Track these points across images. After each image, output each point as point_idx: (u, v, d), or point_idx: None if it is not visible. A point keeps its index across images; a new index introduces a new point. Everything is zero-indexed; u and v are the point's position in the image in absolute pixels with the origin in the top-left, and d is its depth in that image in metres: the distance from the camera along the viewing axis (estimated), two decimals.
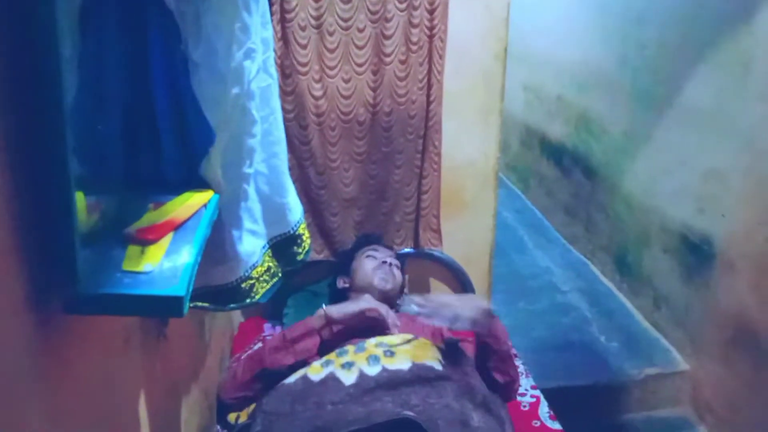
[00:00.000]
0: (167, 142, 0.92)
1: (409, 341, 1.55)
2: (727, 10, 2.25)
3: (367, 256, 1.94)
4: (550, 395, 1.91)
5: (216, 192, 0.96)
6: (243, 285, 1.10)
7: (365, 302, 1.71)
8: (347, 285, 1.94)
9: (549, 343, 2.68)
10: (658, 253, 2.76)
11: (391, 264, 1.91)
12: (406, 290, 2.09)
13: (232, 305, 1.14)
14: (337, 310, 1.65)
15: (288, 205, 1.20)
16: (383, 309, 1.69)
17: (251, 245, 1.09)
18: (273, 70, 1.11)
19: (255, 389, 1.57)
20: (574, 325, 2.84)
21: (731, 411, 2.26)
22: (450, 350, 1.57)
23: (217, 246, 1.04)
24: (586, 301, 3.04)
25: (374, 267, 1.89)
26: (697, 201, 2.46)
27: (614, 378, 2.49)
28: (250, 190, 1.08)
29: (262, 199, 1.14)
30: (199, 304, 1.08)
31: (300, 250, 1.27)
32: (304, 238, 1.27)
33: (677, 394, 2.51)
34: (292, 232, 1.23)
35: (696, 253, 2.47)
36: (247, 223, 1.08)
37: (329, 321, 1.61)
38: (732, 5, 2.22)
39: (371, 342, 1.53)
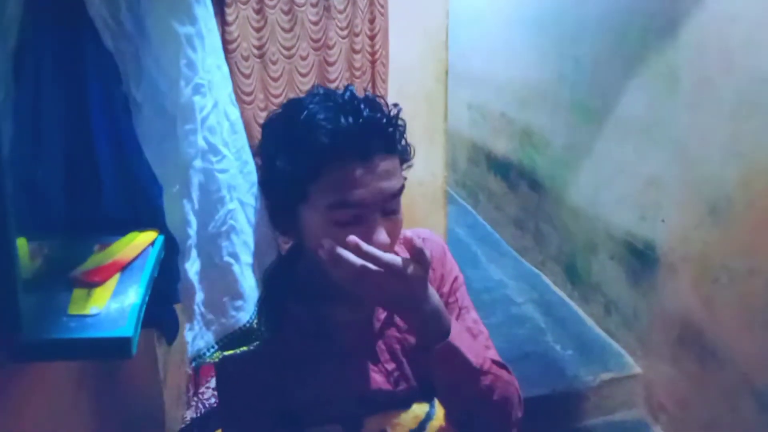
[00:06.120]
0: (108, 182, 0.92)
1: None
2: (652, 25, 2.36)
3: None
4: None
5: (188, 233, 0.95)
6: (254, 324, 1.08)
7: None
8: None
9: (506, 355, 2.67)
10: (605, 261, 2.84)
11: None
12: None
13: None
14: None
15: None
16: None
17: (251, 278, 1.08)
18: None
19: None
20: (530, 336, 2.90)
21: (683, 409, 2.33)
22: None
23: (223, 288, 1.01)
24: (540, 312, 3.11)
25: None
26: (639, 208, 2.55)
27: (571, 386, 2.54)
28: (241, 224, 1.06)
29: (254, 230, 1.12)
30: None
31: None
32: None
33: (631, 397, 2.58)
34: None
35: (640, 259, 2.56)
36: (244, 257, 1.06)
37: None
38: (657, 21, 2.33)
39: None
